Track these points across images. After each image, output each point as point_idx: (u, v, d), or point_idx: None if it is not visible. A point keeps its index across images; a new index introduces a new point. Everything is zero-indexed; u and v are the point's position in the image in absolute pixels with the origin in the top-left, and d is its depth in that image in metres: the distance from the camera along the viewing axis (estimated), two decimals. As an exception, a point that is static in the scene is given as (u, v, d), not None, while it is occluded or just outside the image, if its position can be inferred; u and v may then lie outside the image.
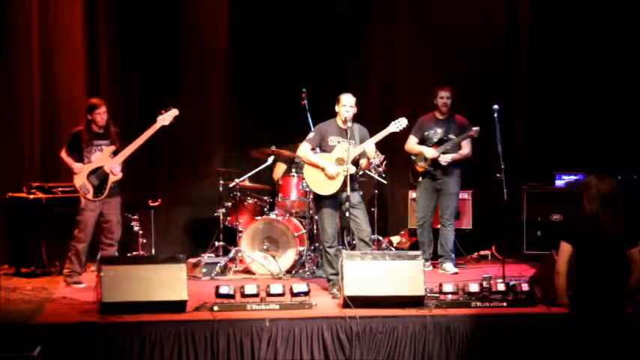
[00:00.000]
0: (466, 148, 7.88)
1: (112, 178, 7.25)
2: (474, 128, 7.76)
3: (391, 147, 8.34)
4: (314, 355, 5.89)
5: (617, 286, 4.94)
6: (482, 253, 8.90)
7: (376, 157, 7.96)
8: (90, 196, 7.20)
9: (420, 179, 7.91)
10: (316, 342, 5.91)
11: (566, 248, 5.01)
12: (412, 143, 7.92)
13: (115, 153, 7.29)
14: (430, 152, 7.79)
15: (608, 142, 8.88)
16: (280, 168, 8.59)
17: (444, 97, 7.86)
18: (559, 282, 5.05)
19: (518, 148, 8.92)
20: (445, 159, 7.77)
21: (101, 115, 7.26)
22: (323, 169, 6.85)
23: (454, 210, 8.01)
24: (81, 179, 7.22)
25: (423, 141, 7.90)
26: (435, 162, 7.80)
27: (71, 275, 7.31)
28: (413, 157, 7.94)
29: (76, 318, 6.03)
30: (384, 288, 6.17)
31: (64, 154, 7.32)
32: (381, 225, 8.75)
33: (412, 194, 8.62)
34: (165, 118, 7.25)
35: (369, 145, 6.87)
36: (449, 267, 7.86)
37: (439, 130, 7.87)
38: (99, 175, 7.23)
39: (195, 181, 8.98)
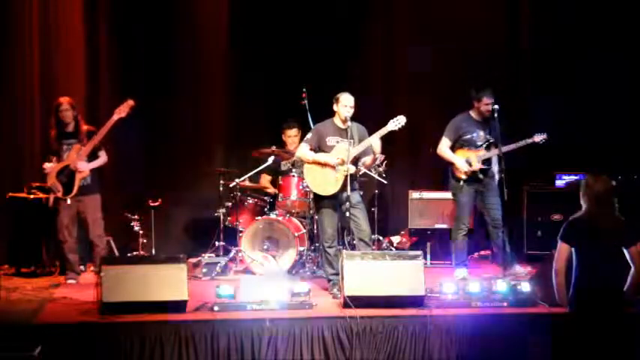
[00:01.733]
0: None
1: (78, 176, 7.27)
2: (540, 136, 7.50)
3: (391, 147, 8.33)
4: (314, 355, 5.89)
5: (616, 286, 4.95)
6: (482, 253, 8.89)
7: (378, 156, 7.93)
8: (60, 194, 7.26)
9: (462, 183, 7.47)
10: (316, 342, 5.91)
11: (564, 248, 5.02)
12: (447, 149, 7.54)
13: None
14: (463, 167, 7.42)
15: (608, 142, 8.88)
16: (265, 179, 8.59)
17: (489, 104, 7.42)
18: (557, 281, 5.06)
19: (519, 148, 8.87)
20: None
21: (63, 113, 7.36)
22: (325, 164, 6.83)
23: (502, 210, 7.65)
24: (51, 179, 7.31)
25: (457, 143, 7.54)
26: (482, 167, 7.46)
27: (66, 273, 7.47)
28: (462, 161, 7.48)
29: (76, 318, 6.03)
30: (384, 288, 6.17)
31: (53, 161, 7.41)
32: (381, 225, 8.74)
33: (412, 194, 8.61)
34: (121, 110, 7.31)
35: (375, 141, 6.82)
36: (520, 268, 7.57)
37: (482, 133, 7.50)
38: (66, 174, 7.29)
39: (195, 181, 8.97)
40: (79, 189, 7.28)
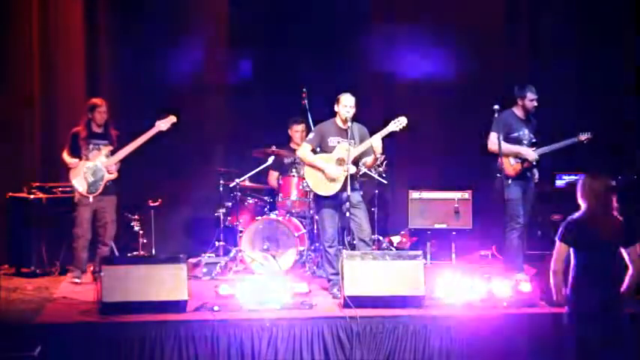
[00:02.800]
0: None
1: (106, 177, 7.36)
2: (585, 135, 7.41)
3: (391, 147, 8.33)
4: (314, 355, 5.90)
5: (614, 286, 4.95)
6: (482, 253, 8.90)
7: (379, 156, 7.91)
8: (84, 192, 7.30)
9: (511, 181, 7.28)
10: (316, 342, 5.92)
11: (562, 248, 5.02)
12: (501, 141, 7.25)
13: (113, 153, 7.40)
14: (532, 154, 7.31)
15: (608, 142, 8.87)
16: (273, 175, 8.59)
17: (533, 100, 7.38)
18: (555, 281, 5.06)
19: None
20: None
21: (101, 115, 7.44)
22: (323, 171, 6.85)
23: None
24: (76, 175, 7.35)
25: (504, 140, 7.30)
26: (530, 165, 7.36)
27: (72, 270, 7.46)
28: (512, 158, 7.35)
29: (76, 318, 6.03)
30: (385, 288, 6.17)
31: (65, 155, 7.44)
32: (381, 225, 8.74)
33: (412, 194, 8.61)
34: (164, 123, 7.44)
35: (376, 141, 6.81)
36: (523, 276, 7.30)
37: (526, 131, 7.42)
38: (94, 172, 7.34)
39: (195, 181, 8.98)
40: (102, 189, 7.35)
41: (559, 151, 7.49)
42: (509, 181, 7.31)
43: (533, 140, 7.45)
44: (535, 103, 7.42)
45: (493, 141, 7.31)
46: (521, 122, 7.47)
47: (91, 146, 7.41)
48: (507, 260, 7.44)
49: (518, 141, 7.39)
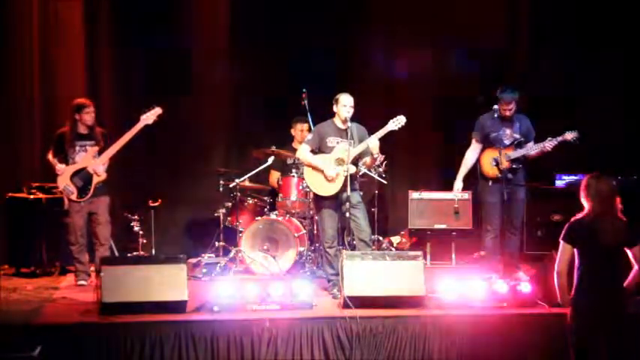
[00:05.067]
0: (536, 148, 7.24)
1: (95, 179, 7.25)
2: (572, 133, 7.15)
3: (391, 147, 8.34)
4: (314, 356, 5.90)
5: (617, 286, 4.95)
6: (482, 253, 8.88)
7: (377, 156, 7.91)
8: (74, 197, 7.22)
9: (491, 183, 7.18)
10: (316, 342, 5.92)
11: (566, 249, 5.01)
12: (477, 148, 7.26)
13: (101, 153, 7.30)
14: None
15: (608, 142, 8.88)
16: (274, 175, 8.58)
17: (506, 110, 7.17)
18: (560, 282, 5.06)
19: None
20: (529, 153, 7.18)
21: (90, 115, 7.28)
22: (322, 171, 6.85)
23: (523, 217, 7.56)
24: (64, 180, 7.24)
25: (486, 142, 7.28)
26: (510, 166, 7.17)
27: (77, 274, 7.41)
28: (491, 160, 7.19)
29: (76, 318, 6.03)
30: (384, 288, 6.18)
31: (50, 156, 7.37)
32: (381, 225, 8.75)
33: (412, 194, 8.61)
34: (149, 116, 7.25)
35: (373, 141, 6.81)
36: (523, 275, 7.28)
37: (508, 131, 7.22)
38: (83, 176, 7.24)
39: (195, 181, 8.98)
40: (93, 191, 7.26)
41: (547, 150, 7.26)
42: (490, 184, 7.21)
43: (519, 140, 7.26)
44: (506, 112, 7.18)
45: (472, 147, 7.36)
46: (501, 122, 7.26)
47: (77, 148, 7.28)
48: (485, 262, 7.43)
49: (497, 141, 7.24)
